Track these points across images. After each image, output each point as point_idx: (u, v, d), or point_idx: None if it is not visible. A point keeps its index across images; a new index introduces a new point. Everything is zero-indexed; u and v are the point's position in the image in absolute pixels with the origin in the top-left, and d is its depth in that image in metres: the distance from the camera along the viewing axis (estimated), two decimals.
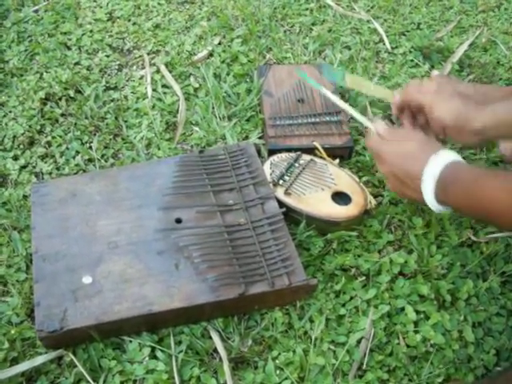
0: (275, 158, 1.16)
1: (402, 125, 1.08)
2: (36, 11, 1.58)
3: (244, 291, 0.95)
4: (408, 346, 0.98)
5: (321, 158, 1.16)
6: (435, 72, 1.43)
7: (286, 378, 0.93)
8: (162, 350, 0.94)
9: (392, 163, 0.95)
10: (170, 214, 1.04)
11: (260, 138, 1.26)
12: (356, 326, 0.99)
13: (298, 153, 1.16)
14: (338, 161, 1.17)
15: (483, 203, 0.82)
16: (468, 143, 1.01)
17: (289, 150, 1.18)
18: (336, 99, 1.13)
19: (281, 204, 1.08)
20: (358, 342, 0.97)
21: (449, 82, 1.02)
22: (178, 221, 1.03)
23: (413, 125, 1.05)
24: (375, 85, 1.16)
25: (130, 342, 0.95)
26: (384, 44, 1.54)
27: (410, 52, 1.52)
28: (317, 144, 1.17)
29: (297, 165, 1.14)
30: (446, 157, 0.88)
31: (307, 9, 1.63)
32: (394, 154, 0.95)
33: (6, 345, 0.94)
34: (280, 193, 1.09)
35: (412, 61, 1.50)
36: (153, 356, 0.94)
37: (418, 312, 1.01)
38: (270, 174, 1.12)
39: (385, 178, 1.01)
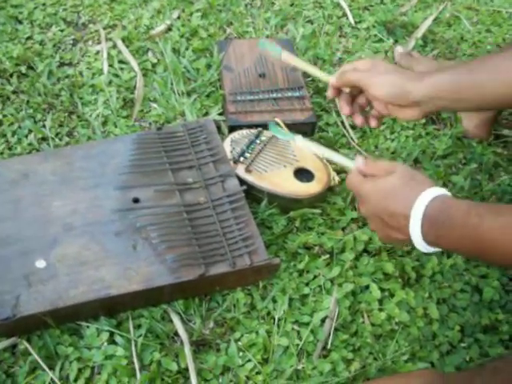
0: (236, 134, 1.12)
1: (341, 107, 1.03)
2: None
3: (204, 272, 0.92)
4: (373, 325, 0.97)
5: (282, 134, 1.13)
6: (399, 47, 1.42)
7: (250, 360, 0.91)
8: (120, 335, 0.91)
9: (373, 204, 0.85)
10: (126, 194, 1.00)
11: (220, 114, 1.22)
12: (320, 306, 0.97)
13: (260, 129, 1.13)
14: (300, 136, 1.14)
15: (483, 246, 0.74)
16: (410, 118, 0.95)
17: (250, 126, 1.14)
18: (315, 146, 1.00)
19: (242, 182, 1.05)
20: (323, 321, 0.95)
21: (382, 59, 0.99)
22: (136, 200, 1.00)
23: (350, 105, 1.01)
24: (312, 65, 1.10)
25: (88, 327, 0.92)
26: (347, 18, 1.52)
27: (374, 27, 1.50)
28: (278, 120, 1.14)
29: (258, 141, 1.11)
30: (432, 193, 0.79)
31: None
32: (376, 193, 0.85)
33: None
34: (241, 170, 1.06)
35: (376, 36, 1.48)
36: (111, 341, 0.91)
37: (382, 290, 1.00)
38: (231, 152, 1.09)
39: (367, 220, 0.91)
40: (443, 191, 0.80)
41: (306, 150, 1.09)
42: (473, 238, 0.75)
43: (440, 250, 0.82)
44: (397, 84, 0.92)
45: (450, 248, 0.81)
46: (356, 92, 1.00)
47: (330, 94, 1.02)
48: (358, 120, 1.01)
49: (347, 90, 1.00)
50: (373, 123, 1.01)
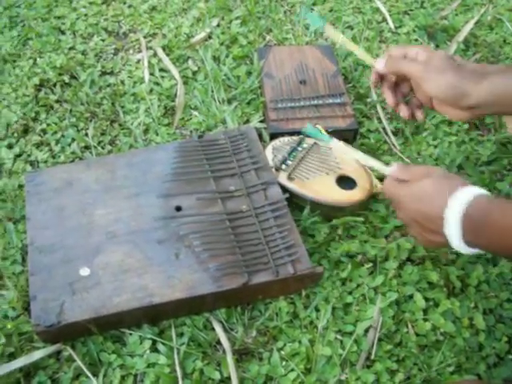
0: (277, 142, 1.12)
1: (382, 94, 0.99)
2: None
3: (247, 281, 0.91)
4: (417, 335, 0.95)
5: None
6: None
7: (292, 370, 0.90)
8: (163, 343, 0.91)
9: (409, 208, 0.84)
10: (169, 202, 1.00)
11: (261, 121, 1.22)
12: (363, 315, 0.96)
13: (301, 136, 1.12)
14: (342, 143, 1.13)
15: None
16: (458, 119, 0.92)
17: (291, 133, 1.14)
18: (351, 151, 1.00)
19: (284, 189, 1.04)
20: (366, 331, 0.94)
21: (437, 51, 0.92)
22: (178, 208, 1.00)
23: (394, 93, 0.97)
24: (354, 44, 1.05)
25: (130, 334, 0.92)
26: (387, 23, 1.50)
27: (414, 31, 1.48)
28: (320, 127, 1.12)
29: (300, 149, 1.10)
30: (469, 192, 0.77)
31: None
32: (410, 197, 0.84)
33: (3, 340, 0.91)
34: (283, 178, 1.06)
35: (416, 40, 1.45)
36: (154, 349, 0.91)
37: (427, 299, 0.98)
38: (272, 159, 1.08)
39: (406, 226, 0.89)
40: (478, 190, 0.77)
41: (341, 153, 1.08)
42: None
43: (482, 252, 0.80)
44: (455, 85, 0.87)
45: (490, 247, 0.78)
46: (400, 79, 0.96)
47: (373, 79, 0.98)
48: (405, 112, 0.97)
49: (393, 77, 0.96)
50: (420, 116, 0.97)
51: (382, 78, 0.97)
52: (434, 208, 0.79)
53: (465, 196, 0.76)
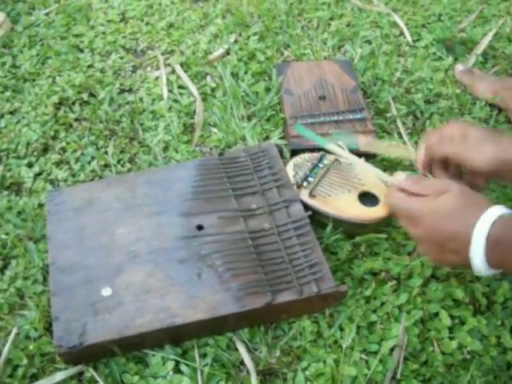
0: (298, 158, 1.11)
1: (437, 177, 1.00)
2: (47, 14, 1.55)
3: (271, 300, 0.90)
4: (443, 354, 0.93)
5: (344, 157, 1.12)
6: (459, 65, 1.39)
7: None
8: (186, 364, 0.90)
9: (429, 225, 0.82)
10: (190, 221, 1.00)
11: (281, 138, 1.21)
12: (388, 334, 0.94)
13: (322, 153, 1.11)
14: (363, 160, 1.13)
15: None
16: (509, 182, 0.94)
17: (312, 150, 1.13)
18: (349, 155, 1.05)
19: (306, 207, 1.03)
20: (391, 350, 0.93)
21: (469, 125, 0.94)
22: (200, 227, 0.99)
23: (446, 171, 0.98)
24: (390, 143, 1.08)
25: (153, 355, 0.91)
26: (405, 37, 1.49)
27: (432, 44, 1.47)
28: (342, 144, 1.12)
29: (321, 165, 1.10)
30: (494, 212, 0.77)
31: (324, 3, 1.58)
32: (430, 214, 0.82)
33: (25, 361, 0.91)
34: (304, 195, 1.05)
35: (434, 54, 1.45)
36: (177, 370, 0.90)
37: (452, 317, 0.96)
38: (294, 176, 1.08)
39: (417, 241, 0.88)
40: (505, 210, 0.77)
41: (363, 169, 1.08)
42: None
43: (498, 271, 0.80)
44: (498, 156, 0.88)
45: None
46: (445, 161, 0.97)
47: (421, 169, 0.99)
48: None
49: (439, 163, 0.97)
50: (481, 183, 0.97)
51: (429, 166, 0.99)
52: (460, 228, 0.78)
53: (491, 216, 0.76)
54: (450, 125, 0.97)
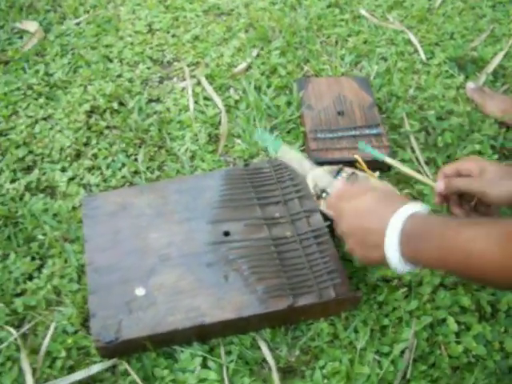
0: (317, 171, 1.18)
1: (452, 213, 1.03)
2: (78, 24, 1.62)
3: (292, 303, 0.98)
4: (450, 357, 1.00)
5: (362, 170, 1.19)
6: (470, 83, 1.45)
7: None
8: (213, 360, 0.97)
9: (350, 221, 0.87)
10: (218, 227, 1.07)
11: (301, 150, 1.28)
12: (399, 337, 1.01)
13: (340, 166, 1.18)
14: (378, 173, 1.20)
15: (468, 260, 0.73)
16: None
17: (330, 162, 1.20)
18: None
19: (324, 217, 1.10)
20: (402, 352, 0.99)
21: (487, 161, 1.00)
22: (227, 233, 1.07)
23: (461, 206, 1.01)
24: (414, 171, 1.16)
25: (182, 351, 0.98)
26: (419, 55, 1.56)
27: (445, 63, 1.53)
28: (358, 157, 1.19)
29: (339, 177, 1.16)
30: (409, 208, 0.81)
31: (342, 20, 1.65)
32: (353, 210, 0.87)
33: (63, 354, 0.98)
34: (323, 206, 1.12)
35: (447, 71, 1.51)
36: (204, 365, 0.97)
37: (459, 323, 1.03)
38: (313, 187, 1.14)
39: (344, 239, 0.91)
40: (421, 206, 0.81)
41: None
42: (451, 248, 0.75)
43: (415, 269, 0.82)
44: None
45: (429, 263, 0.81)
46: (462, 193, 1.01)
47: (437, 201, 1.02)
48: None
49: (455, 195, 1.01)
50: (494, 214, 1.01)
51: (446, 198, 1.02)
52: (376, 223, 0.82)
53: (405, 212, 0.80)
54: (469, 159, 1.03)
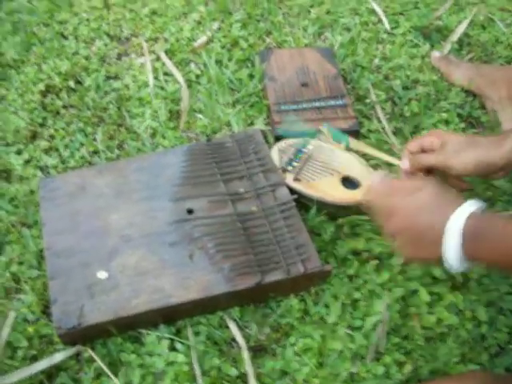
0: (282, 143, 1.15)
1: None
2: (29, 1, 1.55)
3: (260, 280, 0.95)
4: (423, 328, 0.99)
5: (327, 142, 1.16)
6: (435, 52, 1.43)
7: (306, 364, 0.94)
8: (180, 342, 0.94)
9: (405, 218, 0.85)
10: (181, 205, 1.04)
11: (266, 124, 1.25)
12: (371, 310, 0.99)
13: (306, 138, 1.15)
14: (343, 145, 1.17)
15: None
16: (495, 179, 1.00)
17: (295, 135, 1.17)
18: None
19: (291, 190, 1.07)
20: (374, 325, 0.98)
21: (448, 133, 0.99)
22: (190, 211, 1.03)
23: None
24: (378, 151, 1.14)
25: (148, 334, 0.95)
26: (383, 24, 1.53)
27: (410, 32, 1.50)
28: (323, 128, 1.16)
29: (305, 150, 1.13)
30: (469, 206, 0.80)
31: None
32: (407, 208, 0.85)
33: (25, 343, 0.94)
34: (289, 179, 1.09)
35: (412, 41, 1.49)
36: (172, 348, 0.94)
37: (431, 293, 1.01)
38: (279, 161, 1.12)
39: (394, 236, 0.89)
40: (478, 204, 0.81)
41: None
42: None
43: (470, 267, 0.82)
44: (480, 159, 0.92)
45: (492, 260, 0.80)
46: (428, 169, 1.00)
47: (404, 177, 1.02)
48: None
49: (422, 171, 1.01)
50: (465, 186, 1.01)
51: (412, 174, 1.01)
52: (433, 221, 0.81)
53: (465, 210, 0.79)
54: (430, 134, 1.01)
